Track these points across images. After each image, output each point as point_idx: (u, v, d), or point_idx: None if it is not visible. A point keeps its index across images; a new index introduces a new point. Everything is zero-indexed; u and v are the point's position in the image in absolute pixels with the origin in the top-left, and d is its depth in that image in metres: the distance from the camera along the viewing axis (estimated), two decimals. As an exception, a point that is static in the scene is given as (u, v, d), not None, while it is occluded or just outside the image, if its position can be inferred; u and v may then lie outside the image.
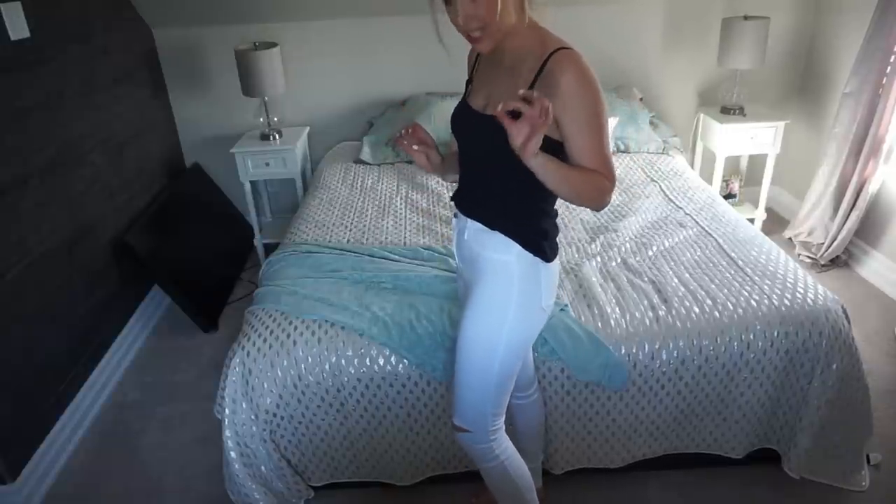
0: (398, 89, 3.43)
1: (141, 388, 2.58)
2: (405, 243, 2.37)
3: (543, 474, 1.93)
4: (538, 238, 1.41)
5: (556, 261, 1.48)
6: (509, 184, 1.36)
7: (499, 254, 1.41)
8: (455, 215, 1.54)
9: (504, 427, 1.54)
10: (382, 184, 2.96)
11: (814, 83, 3.45)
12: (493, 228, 1.41)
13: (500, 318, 1.42)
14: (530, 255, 1.40)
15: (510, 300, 1.41)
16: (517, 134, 1.13)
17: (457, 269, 1.62)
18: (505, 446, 1.54)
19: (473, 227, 1.46)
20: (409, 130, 1.50)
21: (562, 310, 1.87)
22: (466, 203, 1.49)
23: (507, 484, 1.57)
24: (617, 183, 2.80)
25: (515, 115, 1.13)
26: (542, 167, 1.20)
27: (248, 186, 3.27)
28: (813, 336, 1.82)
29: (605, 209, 2.57)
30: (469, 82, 1.52)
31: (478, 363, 1.45)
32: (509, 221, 1.40)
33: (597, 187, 1.27)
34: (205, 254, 3.16)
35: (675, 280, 2.03)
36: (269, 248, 3.09)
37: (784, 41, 3.41)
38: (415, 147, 1.50)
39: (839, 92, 3.04)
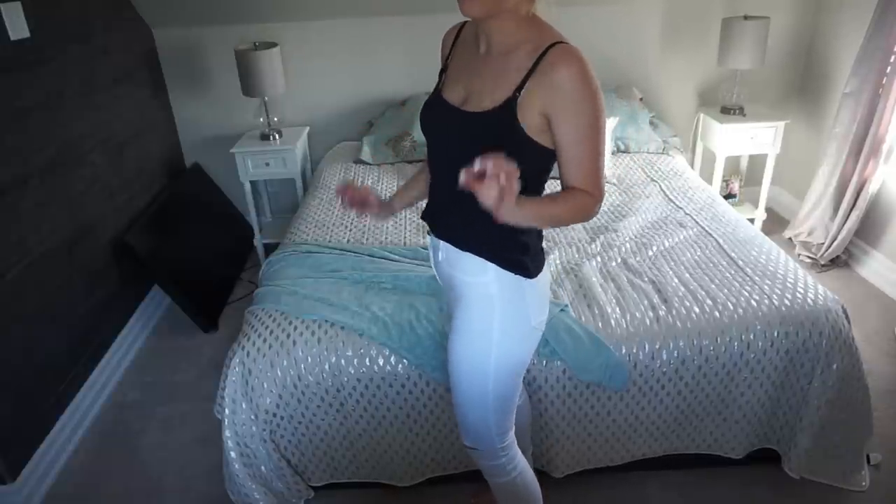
0: (398, 89, 3.43)
1: (141, 388, 2.57)
2: (405, 243, 2.37)
3: (543, 476, 1.93)
4: (516, 254, 1.28)
5: (546, 271, 1.37)
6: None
7: (474, 276, 1.30)
8: (429, 233, 1.42)
9: (515, 441, 1.49)
10: (382, 184, 2.96)
11: (814, 83, 3.44)
12: (463, 249, 1.30)
13: (486, 345, 1.32)
14: (510, 274, 1.28)
15: (492, 326, 1.30)
16: (486, 197, 1.02)
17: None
18: (517, 462, 1.50)
19: (445, 247, 1.34)
20: (344, 197, 1.39)
21: (562, 310, 1.87)
22: (436, 220, 1.37)
23: (518, 499, 1.55)
24: (617, 183, 2.86)
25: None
26: (522, 219, 1.12)
27: (248, 186, 3.27)
28: (813, 336, 1.82)
29: (605, 209, 2.59)
30: (443, 71, 1.36)
31: (471, 388, 1.38)
32: (482, 238, 1.27)
33: (580, 210, 1.18)
34: (205, 254, 3.16)
35: (676, 280, 2.03)
36: (269, 248, 3.09)
37: (784, 41, 3.41)
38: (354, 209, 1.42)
39: (839, 92, 3.04)
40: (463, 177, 1.01)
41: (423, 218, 1.42)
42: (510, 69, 1.18)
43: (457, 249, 1.31)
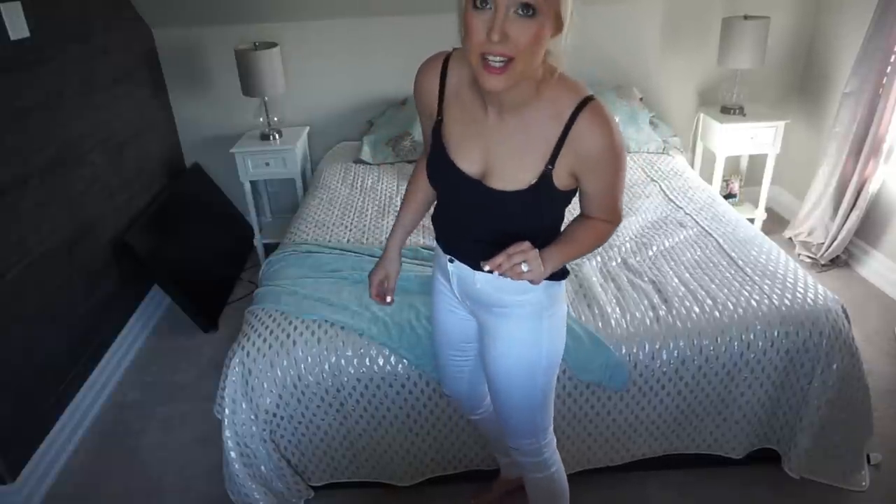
0: (398, 89, 3.43)
1: (141, 388, 2.57)
2: (405, 243, 2.36)
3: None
4: None
5: None
6: (526, 236, 1.18)
7: (526, 294, 1.31)
8: (450, 260, 1.37)
9: (555, 438, 1.53)
10: (382, 184, 2.96)
11: (814, 83, 3.44)
12: None
13: (537, 351, 1.37)
14: (554, 282, 1.33)
15: (542, 329, 1.36)
16: (515, 277, 1.14)
17: (455, 299, 1.46)
18: (556, 458, 1.54)
19: (486, 276, 1.29)
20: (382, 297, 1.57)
21: (562, 310, 1.87)
22: (470, 255, 1.31)
23: (551, 494, 1.57)
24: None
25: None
26: (551, 270, 1.21)
27: (248, 186, 3.27)
28: (813, 336, 1.82)
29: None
30: (439, 122, 1.25)
31: (520, 393, 1.41)
32: None
33: (601, 239, 1.29)
34: (205, 254, 3.16)
35: (676, 280, 2.03)
36: (269, 248, 3.09)
37: (784, 41, 3.41)
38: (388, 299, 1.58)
39: (839, 92, 3.04)
40: (486, 268, 1.14)
41: (445, 250, 1.38)
42: (534, 138, 1.15)
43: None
